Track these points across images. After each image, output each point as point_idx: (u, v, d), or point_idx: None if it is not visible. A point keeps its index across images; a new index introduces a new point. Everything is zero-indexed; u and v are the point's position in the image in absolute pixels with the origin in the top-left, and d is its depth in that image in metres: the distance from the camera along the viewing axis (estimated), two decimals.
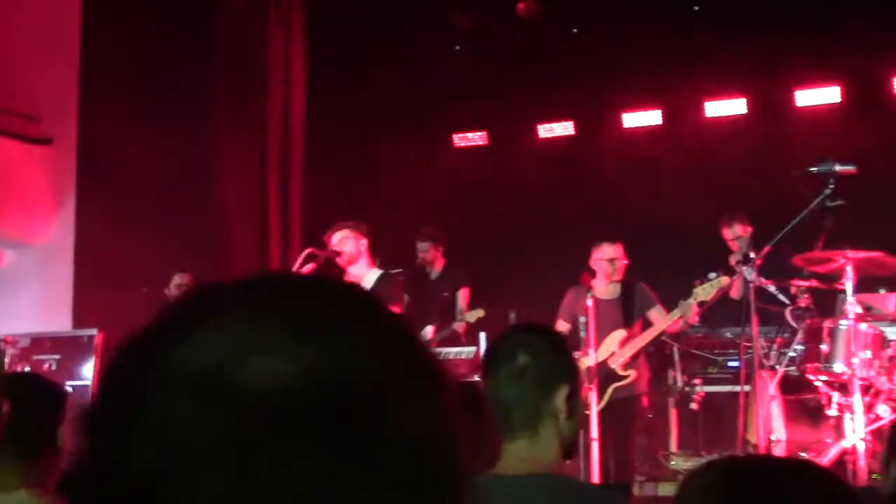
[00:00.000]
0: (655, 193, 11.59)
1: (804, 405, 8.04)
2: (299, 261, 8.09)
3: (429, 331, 9.63)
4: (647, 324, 8.53)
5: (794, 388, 8.04)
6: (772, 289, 7.90)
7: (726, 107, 11.77)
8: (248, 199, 11.35)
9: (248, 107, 11.31)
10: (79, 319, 9.59)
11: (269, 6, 11.52)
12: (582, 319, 7.92)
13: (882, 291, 8.59)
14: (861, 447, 7.03)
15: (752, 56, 11.27)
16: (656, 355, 9.26)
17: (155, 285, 9.73)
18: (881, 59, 10.83)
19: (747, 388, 8.02)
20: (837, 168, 7.20)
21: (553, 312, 8.80)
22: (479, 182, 12.80)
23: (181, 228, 10.09)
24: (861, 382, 7.27)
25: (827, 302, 8.46)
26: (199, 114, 10.63)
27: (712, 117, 11.78)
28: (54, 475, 3.39)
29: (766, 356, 8.16)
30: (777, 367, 7.99)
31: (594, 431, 7.36)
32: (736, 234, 9.42)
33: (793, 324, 8.00)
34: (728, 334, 9.27)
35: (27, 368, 8.35)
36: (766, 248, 7.56)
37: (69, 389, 8.13)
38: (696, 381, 9.18)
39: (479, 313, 8.96)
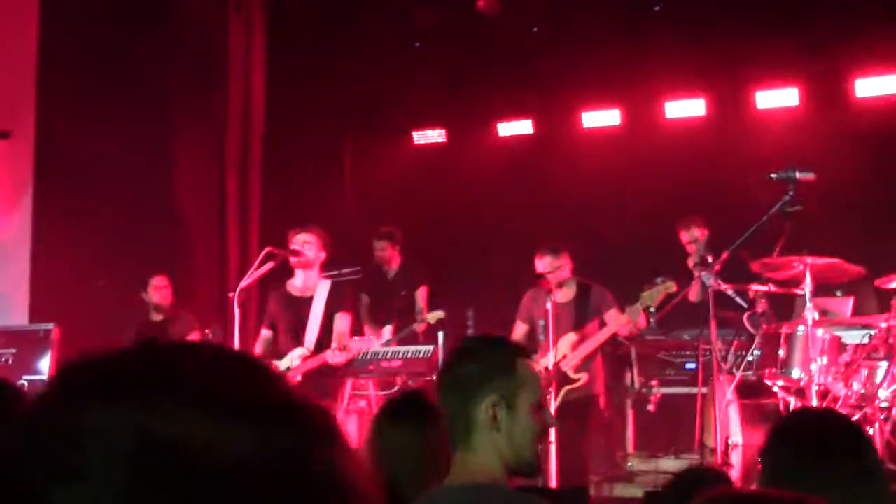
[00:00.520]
0: (614, 193, 11.61)
1: (762, 409, 8.10)
2: (258, 259, 8.03)
3: (388, 330, 9.62)
4: (604, 325, 8.55)
5: (752, 393, 8.08)
6: (730, 292, 7.94)
7: (686, 107, 11.78)
8: (207, 194, 11.28)
9: (208, 101, 11.23)
10: (35, 313, 9.49)
11: None
12: (541, 323, 7.92)
13: (839, 295, 8.67)
14: None
15: (712, 57, 11.30)
16: (613, 356, 9.29)
17: (111, 279, 9.67)
18: (841, 61, 10.89)
19: (704, 390, 8.09)
20: (797, 175, 7.25)
21: (511, 312, 8.81)
22: (437, 179, 12.77)
23: (139, 223, 10.03)
24: (818, 388, 7.34)
25: (785, 307, 8.53)
26: (157, 108, 10.55)
27: (672, 118, 11.80)
28: None
29: (724, 359, 8.21)
30: (735, 370, 8.04)
31: (551, 434, 7.36)
32: (693, 236, 9.45)
33: (750, 329, 8.05)
34: (686, 336, 9.31)
35: None
36: (725, 254, 7.60)
37: (24, 384, 8.11)
38: (653, 382, 9.23)
39: (440, 314, 8.95)
